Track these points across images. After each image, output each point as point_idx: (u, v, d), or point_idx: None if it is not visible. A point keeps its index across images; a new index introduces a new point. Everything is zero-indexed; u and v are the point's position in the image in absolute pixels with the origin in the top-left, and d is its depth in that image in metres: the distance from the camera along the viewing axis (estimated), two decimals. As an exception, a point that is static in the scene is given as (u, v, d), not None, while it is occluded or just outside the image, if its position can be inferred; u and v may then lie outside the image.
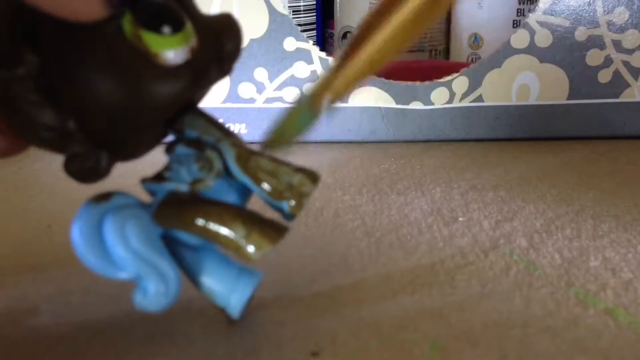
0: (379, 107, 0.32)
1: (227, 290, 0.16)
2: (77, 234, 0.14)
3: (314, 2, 0.40)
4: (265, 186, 0.16)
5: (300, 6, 0.39)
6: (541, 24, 0.31)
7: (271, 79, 0.32)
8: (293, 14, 0.38)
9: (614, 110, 0.32)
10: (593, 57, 0.32)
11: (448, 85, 0.32)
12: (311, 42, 0.32)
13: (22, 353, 0.16)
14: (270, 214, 0.16)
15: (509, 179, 0.27)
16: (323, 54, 0.32)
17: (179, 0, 0.14)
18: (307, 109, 0.16)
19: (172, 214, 0.15)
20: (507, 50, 0.32)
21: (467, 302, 0.17)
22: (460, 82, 0.32)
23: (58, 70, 0.13)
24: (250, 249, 0.15)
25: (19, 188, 0.27)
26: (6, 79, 0.13)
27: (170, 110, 0.15)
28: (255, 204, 0.16)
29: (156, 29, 0.13)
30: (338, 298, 0.18)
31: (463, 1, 0.42)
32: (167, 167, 0.16)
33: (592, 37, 0.31)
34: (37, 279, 0.19)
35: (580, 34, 0.31)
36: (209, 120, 0.16)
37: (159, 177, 0.15)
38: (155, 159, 0.16)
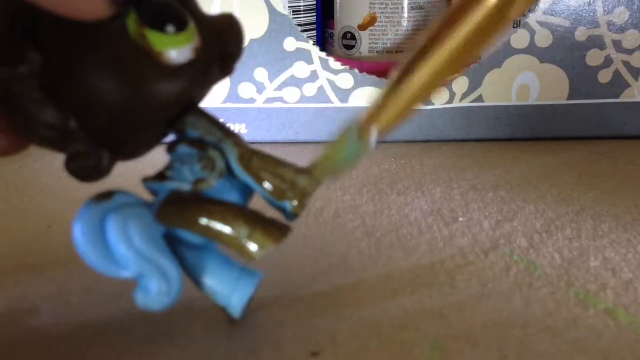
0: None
1: (228, 290, 0.16)
2: (79, 233, 0.14)
3: (314, 2, 0.40)
4: (268, 185, 0.16)
5: (300, 6, 0.39)
6: (541, 23, 0.31)
7: (271, 79, 0.32)
8: (293, 14, 0.38)
9: (614, 110, 0.32)
10: (593, 57, 0.32)
11: (448, 85, 0.32)
12: (311, 42, 0.32)
13: (22, 353, 0.16)
14: (271, 213, 0.16)
15: (509, 179, 0.27)
16: (323, 54, 0.32)
17: None
18: (355, 139, 0.15)
19: (175, 212, 0.15)
20: (507, 50, 0.32)
21: (467, 302, 0.17)
22: (460, 82, 0.32)
23: (61, 69, 0.13)
24: (253, 248, 0.15)
25: (19, 187, 0.27)
26: (8, 77, 0.13)
27: (172, 110, 0.15)
28: (256, 204, 0.16)
29: (160, 27, 0.13)
30: (338, 298, 0.18)
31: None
32: (169, 166, 0.16)
33: (592, 37, 0.31)
34: (37, 279, 0.19)
35: (580, 34, 0.31)
36: (211, 120, 0.16)
37: (161, 176, 0.15)
38: (155, 158, 0.16)
